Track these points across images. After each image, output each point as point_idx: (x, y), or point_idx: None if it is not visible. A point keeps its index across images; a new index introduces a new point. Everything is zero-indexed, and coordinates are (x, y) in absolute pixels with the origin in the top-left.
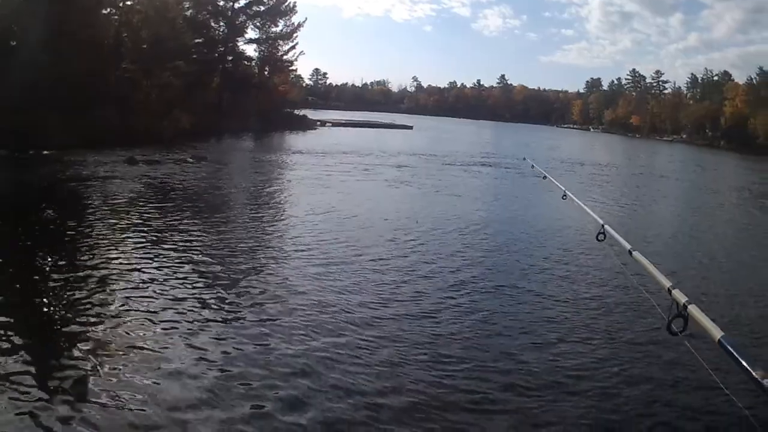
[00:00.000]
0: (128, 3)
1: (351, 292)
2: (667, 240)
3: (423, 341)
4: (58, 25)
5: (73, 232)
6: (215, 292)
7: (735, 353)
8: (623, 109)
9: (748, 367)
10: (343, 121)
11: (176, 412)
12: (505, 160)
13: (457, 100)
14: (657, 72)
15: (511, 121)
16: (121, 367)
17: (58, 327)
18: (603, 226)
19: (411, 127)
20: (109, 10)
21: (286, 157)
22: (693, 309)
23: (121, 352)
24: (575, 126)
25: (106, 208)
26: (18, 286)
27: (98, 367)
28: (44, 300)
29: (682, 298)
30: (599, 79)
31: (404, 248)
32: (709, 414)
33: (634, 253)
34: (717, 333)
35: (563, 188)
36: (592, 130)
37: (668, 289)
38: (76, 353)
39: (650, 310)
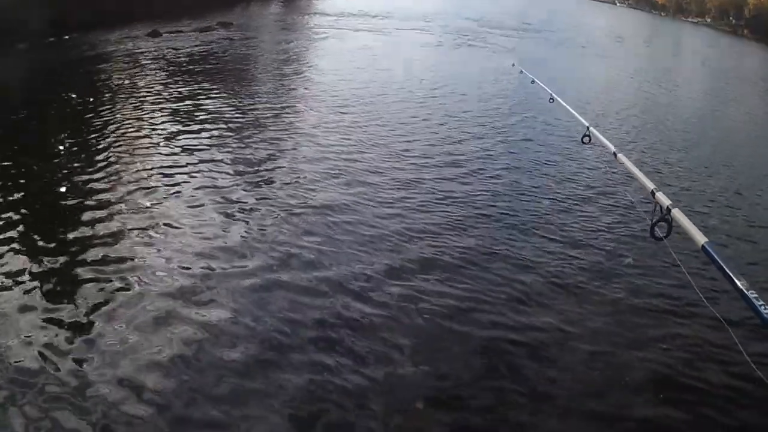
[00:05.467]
0: None
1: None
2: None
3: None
4: None
5: (97, 112)
6: (245, 168)
7: (719, 260)
8: None
9: (732, 275)
10: None
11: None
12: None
13: None
14: None
15: None
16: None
17: (80, 209)
18: (588, 128)
19: None
20: None
21: (314, 20)
22: (676, 213)
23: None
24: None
25: (128, 84)
26: (41, 167)
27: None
28: (68, 185)
29: (665, 202)
30: None
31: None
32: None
33: (618, 155)
34: (701, 239)
35: (550, 91)
36: (617, 4)
37: (651, 191)
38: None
39: (633, 214)
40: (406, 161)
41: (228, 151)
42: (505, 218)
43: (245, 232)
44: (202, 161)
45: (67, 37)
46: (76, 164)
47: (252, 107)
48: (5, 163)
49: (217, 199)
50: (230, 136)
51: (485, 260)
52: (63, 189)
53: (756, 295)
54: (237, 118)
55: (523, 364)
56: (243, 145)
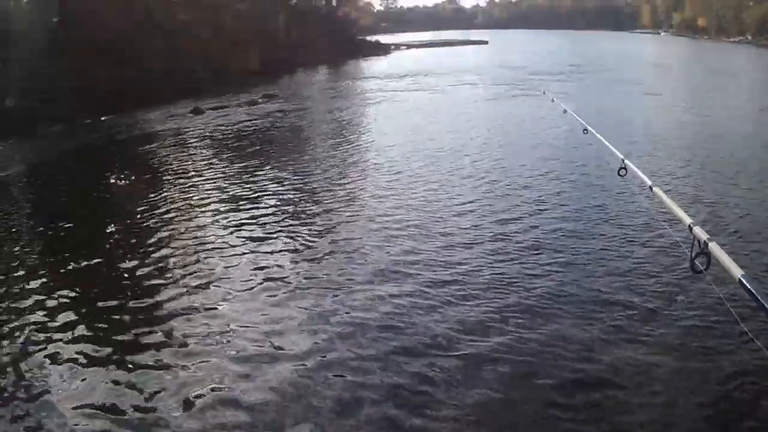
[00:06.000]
0: None
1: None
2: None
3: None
4: None
5: (148, 191)
6: (297, 240)
7: (754, 292)
8: (690, 10)
9: (766, 306)
10: (417, 43)
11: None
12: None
13: (530, 11)
14: None
15: (584, 29)
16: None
17: (134, 290)
18: (623, 160)
19: (486, 42)
20: None
21: (359, 85)
22: (714, 247)
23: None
24: (646, 30)
25: (176, 163)
26: (97, 245)
27: (173, 331)
28: (122, 265)
29: (703, 236)
30: None
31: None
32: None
33: (654, 188)
34: (737, 272)
35: (584, 122)
36: (662, 33)
37: (689, 226)
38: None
39: (672, 248)
40: (461, 222)
41: (281, 230)
42: (559, 263)
43: (301, 313)
44: (252, 239)
45: (104, 118)
46: (124, 251)
47: (303, 181)
48: (50, 254)
49: (273, 280)
50: (283, 213)
51: (541, 308)
52: (114, 275)
53: None
54: (288, 193)
55: (593, 415)
56: (297, 221)
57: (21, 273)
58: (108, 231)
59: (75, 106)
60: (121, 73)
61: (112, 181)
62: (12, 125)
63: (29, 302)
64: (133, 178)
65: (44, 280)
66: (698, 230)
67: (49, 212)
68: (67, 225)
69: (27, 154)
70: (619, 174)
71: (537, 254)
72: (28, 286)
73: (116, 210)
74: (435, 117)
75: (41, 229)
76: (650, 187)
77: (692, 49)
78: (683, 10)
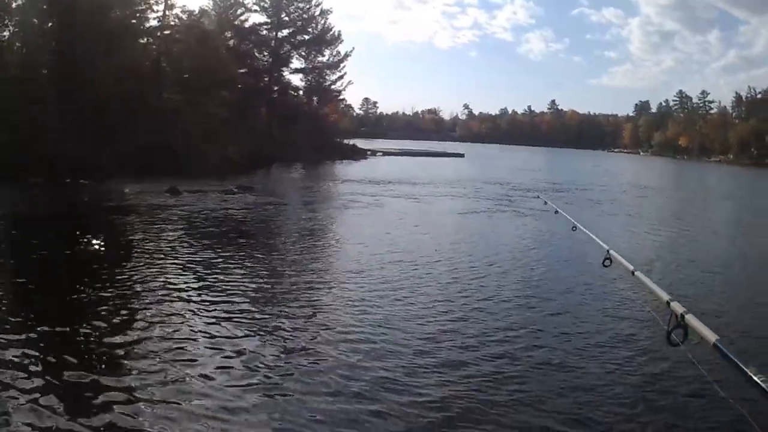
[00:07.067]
0: (167, 33)
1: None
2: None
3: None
4: (89, 51)
5: (116, 264)
6: (263, 332)
7: (729, 354)
8: (672, 131)
9: (742, 366)
10: (394, 150)
11: None
12: (537, 189)
13: (510, 126)
14: (703, 92)
15: (563, 146)
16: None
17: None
18: (608, 251)
19: (462, 155)
20: (146, 39)
21: (335, 187)
22: (690, 318)
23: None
24: (626, 150)
25: (148, 240)
26: (61, 314)
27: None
28: (82, 333)
29: (679, 309)
30: (648, 101)
31: (434, 281)
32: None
33: (636, 272)
34: (712, 337)
35: (573, 220)
36: (641, 153)
37: (667, 301)
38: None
39: (652, 324)
40: (438, 339)
41: (245, 329)
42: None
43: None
44: (218, 336)
45: (83, 181)
46: (90, 326)
47: (271, 280)
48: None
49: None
50: (249, 311)
51: (512, 377)
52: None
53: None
54: (255, 291)
55: None
56: (262, 322)
57: None
58: (71, 296)
59: (58, 163)
60: (105, 140)
61: (82, 245)
62: None
63: None
64: (103, 244)
65: None
66: (675, 305)
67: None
68: (26, 282)
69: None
70: (603, 265)
71: (525, 336)
72: None
73: (82, 274)
74: (412, 226)
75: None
76: (632, 272)
77: (675, 169)
78: (665, 129)
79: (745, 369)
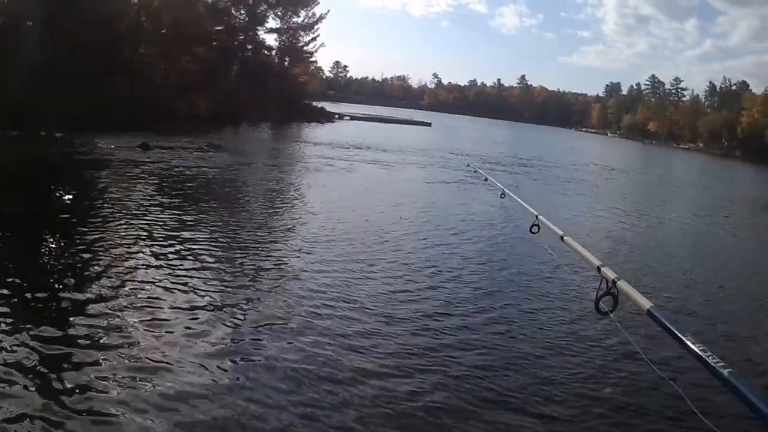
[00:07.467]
0: None
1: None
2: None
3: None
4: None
5: (86, 220)
6: (226, 292)
7: (663, 321)
8: (642, 115)
9: (677, 332)
10: (361, 115)
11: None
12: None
13: (477, 98)
14: (676, 79)
15: (530, 122)
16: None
17: (62, 320)
18: (537, 217)
19: (429, 125)
20: None
21: (302, 149)
22: (622, 284)
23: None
24: (593, 130)
25: (118, 197)
26: (25, 272)
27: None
28: (47, 290)
29: (611, 275)
30: (619, 83)
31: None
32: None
33: (565, 238)
34: (646, 304)
35: (502, 187)
36: (609, 134)
37: (597, 267)
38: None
39: (581, 293)
40: (396, 295)
41: (212, 291)
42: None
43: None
44: (184, 296)
45: (58, 134)
46: (56, 283)
47: (238, 236)
48: None
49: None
50: (214, 266)
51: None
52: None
53: (703, 348)
54: (223, 252)
55: None
56: (229, 284)
57: None
58: (37, 252)
59: (36, 116)
60: (85, 92)
61: (52, 200)
62: None
63: None
64: (75, 197)
65: None
66: (606, 270)
67: None
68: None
69: None
70: (531, 231)
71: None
72: None
73: (54, 226)
74: (369, 190)
75: None
76: (561, 237)
77: (642, 153)
78: (635, 113)
79: (681, 336)
